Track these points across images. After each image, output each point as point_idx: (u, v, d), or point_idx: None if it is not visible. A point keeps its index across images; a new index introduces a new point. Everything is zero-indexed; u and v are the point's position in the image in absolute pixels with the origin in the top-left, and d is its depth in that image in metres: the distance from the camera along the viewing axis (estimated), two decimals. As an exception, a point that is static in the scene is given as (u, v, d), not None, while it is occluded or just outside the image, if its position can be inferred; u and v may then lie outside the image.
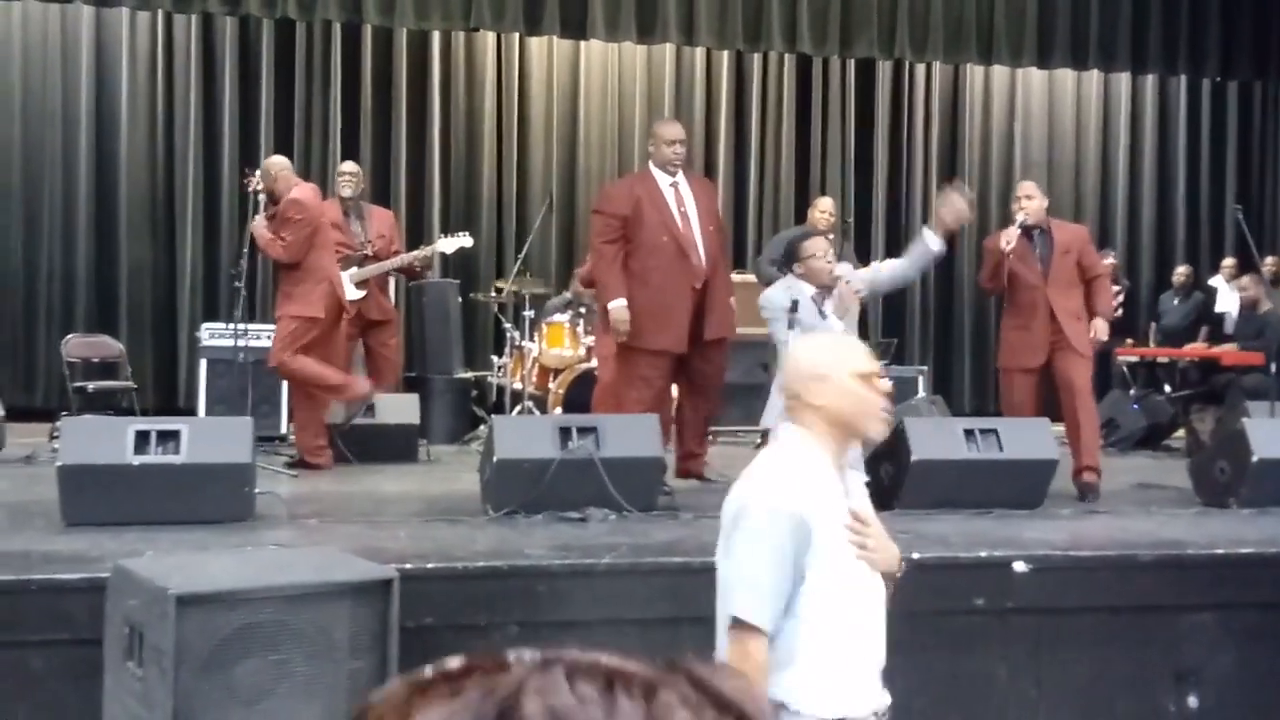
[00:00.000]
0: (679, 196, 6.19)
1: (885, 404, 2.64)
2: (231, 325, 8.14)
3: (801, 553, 2.51)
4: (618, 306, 6.05)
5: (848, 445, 2.68)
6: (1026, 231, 6.44)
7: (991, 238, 6.77)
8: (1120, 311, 7.32)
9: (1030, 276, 6.40)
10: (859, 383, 2.59)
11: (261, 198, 7.20)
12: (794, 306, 5.50)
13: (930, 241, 5.73)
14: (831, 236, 8.75)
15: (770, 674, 2.55)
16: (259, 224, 7.13)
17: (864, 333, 10.68)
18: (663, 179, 6.21)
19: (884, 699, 2.62)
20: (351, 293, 7.94)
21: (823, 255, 5.70)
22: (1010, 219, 6.60)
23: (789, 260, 5.89)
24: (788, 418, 2.70)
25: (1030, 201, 6.46)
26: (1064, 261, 6.41)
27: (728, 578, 2.58)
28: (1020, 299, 6.45)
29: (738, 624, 2.50)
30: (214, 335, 8.55)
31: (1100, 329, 6.42)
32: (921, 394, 9.06)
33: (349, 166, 8.49)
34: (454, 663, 0.65)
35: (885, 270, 6.07)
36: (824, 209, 8.79)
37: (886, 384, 2.68)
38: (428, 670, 0.65)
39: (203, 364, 8.47)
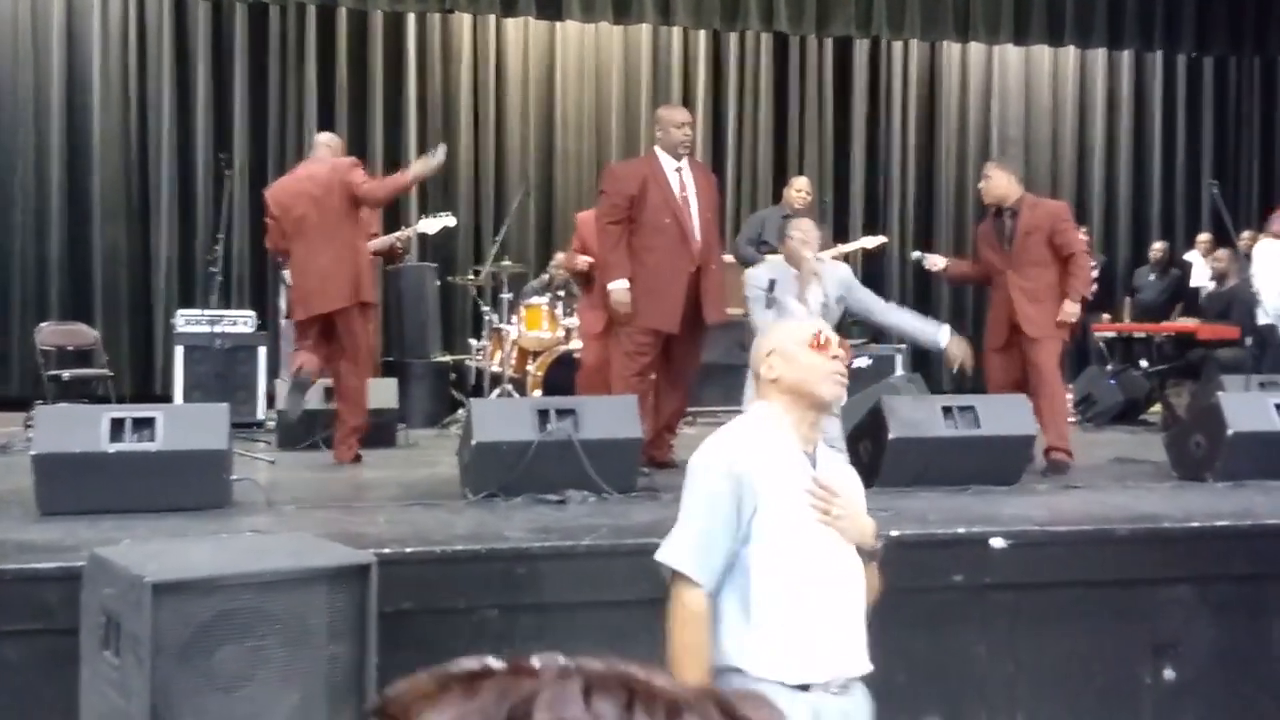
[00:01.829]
0: (682, 181, 6.25)
1: (835, 366, 2.70)
2: (207, 311, 8.10)
3: (744, 511, 2.57)
4: (619, 288, 6.07)
5: (814, 416, 2.72)
6: (996, 213, 6.51)
7: (982, 225, 6.91)
8: (1095, 287, 7.34)
9: (995, 259, 6.51)
10: (804, 349, 2.69)
11: None
12: (771, 286, 5.51)
13: (940, 336, 5.86)
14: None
15: (725, 640, 2.59)
16: None
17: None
18: (669, 163, 6.24)
19: (854, 668, 2.62)
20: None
21: (799, 238, 5.72)
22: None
23: (779, 239, 5.97)
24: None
25: (986, 183, 6.55)
26: (1026, 243, 6.40)
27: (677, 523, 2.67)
28: (993, 281, 6.62)
29: (673, 575, 2.60)
30: (190, 321, 8.51)
31: (1068, 311, 6.38)
32: (900, 372, 9.07)
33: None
34: (477, 662, 0.64)
35: (890, 313, 6.12)
36: (799, 188, 8.79)
37: (836, 348, 2.72)
38: (453, 666, 0.64)
39: (179, 350, 8.43)
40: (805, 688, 2.54)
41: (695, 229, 6.21)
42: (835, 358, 2.71)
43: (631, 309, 6.09)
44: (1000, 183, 6.50)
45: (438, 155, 6.51)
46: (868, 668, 2.66)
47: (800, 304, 5.59)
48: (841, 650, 2.60)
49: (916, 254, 7.34)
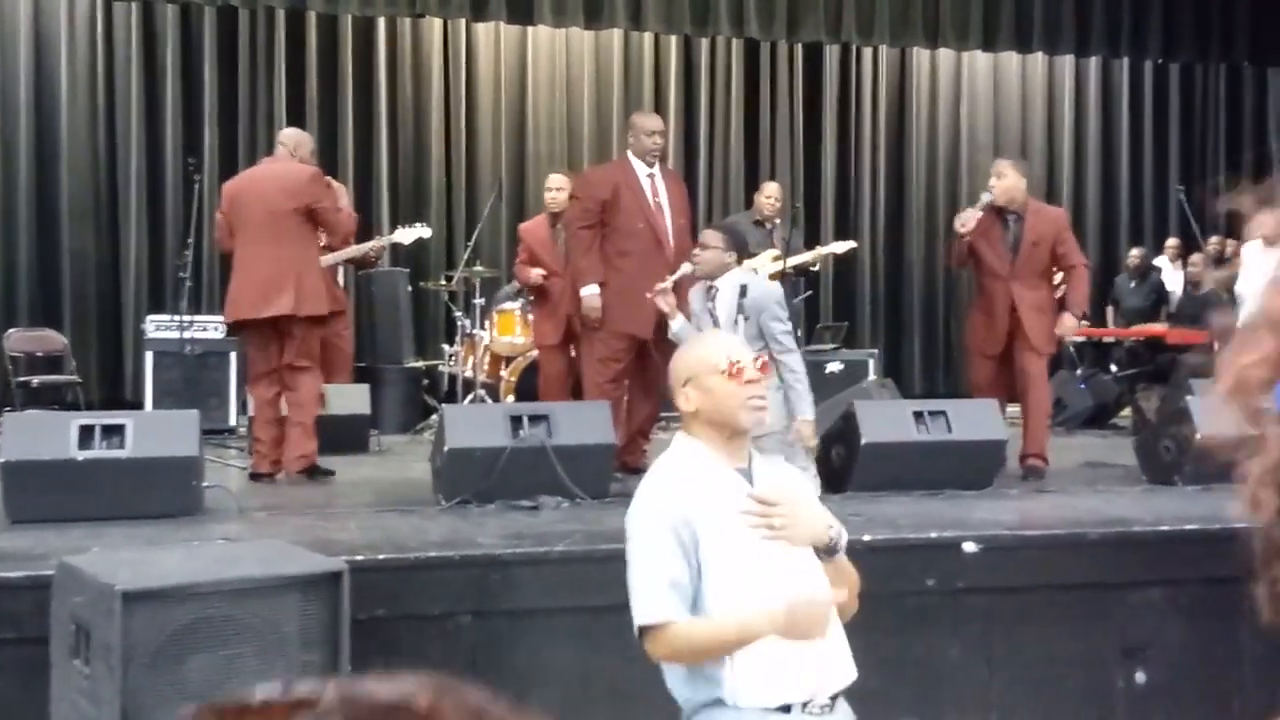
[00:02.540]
0: (654, 188, 6.26)
1: (752, 392, 2.67)
2: (177, 317, 8.05)
3: (689, 548, 2.57)
4: (590, 293, 6.08)
5: (738, 442, 2.71)
6: (1000, 214, 6.29)
7: (959, 213, 6.57)
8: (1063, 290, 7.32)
9: (996, 264, 6.27)
10: (720, 378, 2.66)
11: None
12: (710, 293, 5.53)
13: (804, 409, 5.27)
14: (779, 221, 8.79)
15: (702, 673, 2.58)
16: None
17: (815, 317, 10.83)
18: (640, 169, 6.26)
19: (835, 680, 2.61)
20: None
21: (704, 248, 5.58)
22: (960, 199, 6.60)
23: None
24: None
25: (1000, 181, 6.25)
26: (1033, 253, 6.25)
27: (629, 583, 2.64)
28: (985, 284, 6.36)
29: (648, 630, 2.57)
30: (159, 327, 8.46)
31: (1067, 325, 6.30)
32: (872, 377, 9.11)
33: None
34: (260, 694, 0.61)
35: (787, 357, 5.37)
36: (769, 194, 8.82)
37: (752, 372, 2.69)
38: (234, 696, 0.61)
39: (148, 356, 8.37)
40: (786, 709, 2.54)
41: (669, 235, 6.23)
42: (750, 382, 2.68)
43: (604, 314, 6.09)
44: (1014, 182, 6.25)
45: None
46: (852, 675, 2.64)
47: (710, 317, 5.55)
48: (818, 664, 2.57)
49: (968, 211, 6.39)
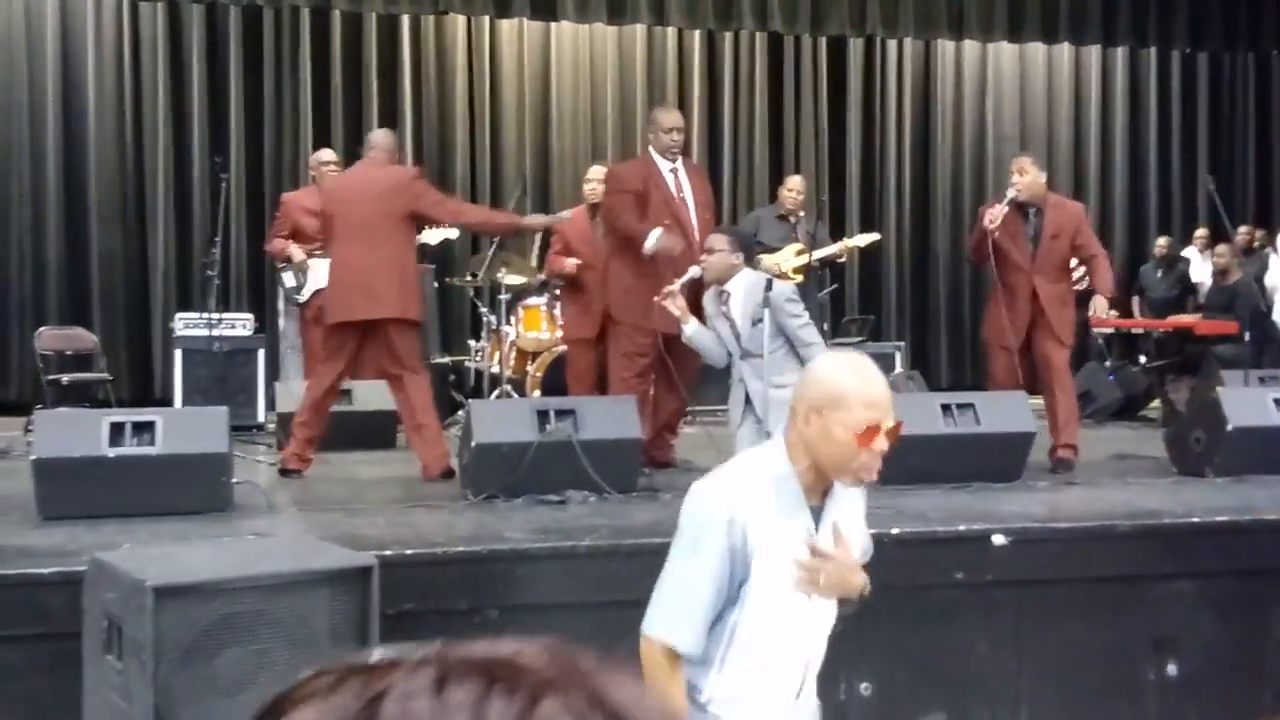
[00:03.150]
0: (678, 183, 6.28)
1: (874, 463, 2.43)
2: (205, 315, 8.09)
3: (736, 574, 2.46)
4: (655, 235, 6.01)
5: (826, 478, 2.51)
6: (1020, 208, 6.32)
7: (985, 207, 6.63)
8: (1085, 283, 7.29)
9: (1018, 257, 6.29)
10: (851, 438, 2.39)
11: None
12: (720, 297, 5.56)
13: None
14: (802, 214, 8.77)
15: (690, 676, 2.53)
16: None
17: (841, 310, 10.80)
18: (663, 164, 6.28)
19: (802, 707, 2.62)
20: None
21: (706, 252, 5.60)
22: (986, 190, 6.59)
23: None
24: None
25: (1023, 177, 6.29)
26: (1053, 246, 6.28)
27: (662, 582, 2.54)
28: (1007, 278, 6.35)
29: (662, 645, 2.48)
30: (188, 325, 8.50)
31: (1100, 307, 6.30)
32: (899, 369, 9.08)
33: (331, 155, 8.46)
34: (349, 660, 0.61)
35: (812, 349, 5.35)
36: (792, 188, 8.79)
37: (883, 443, 2.41)
38: (330, 664, 0.62)
39: (178, 354, 8.41)
40: None
41: (694, 230, 6.22)
42: (876, 451, 2.42)
43: (634, 306, 6.09)
44: (1036, 177, 6.33)
45: (561, 216, 6.22)
46: (814, 702, 2.66)
47: (725, 321, 5.56)
48: (797, 690, 2.60)
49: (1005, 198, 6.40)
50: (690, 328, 5.51)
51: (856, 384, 2.44)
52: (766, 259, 8.22)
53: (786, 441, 2.51)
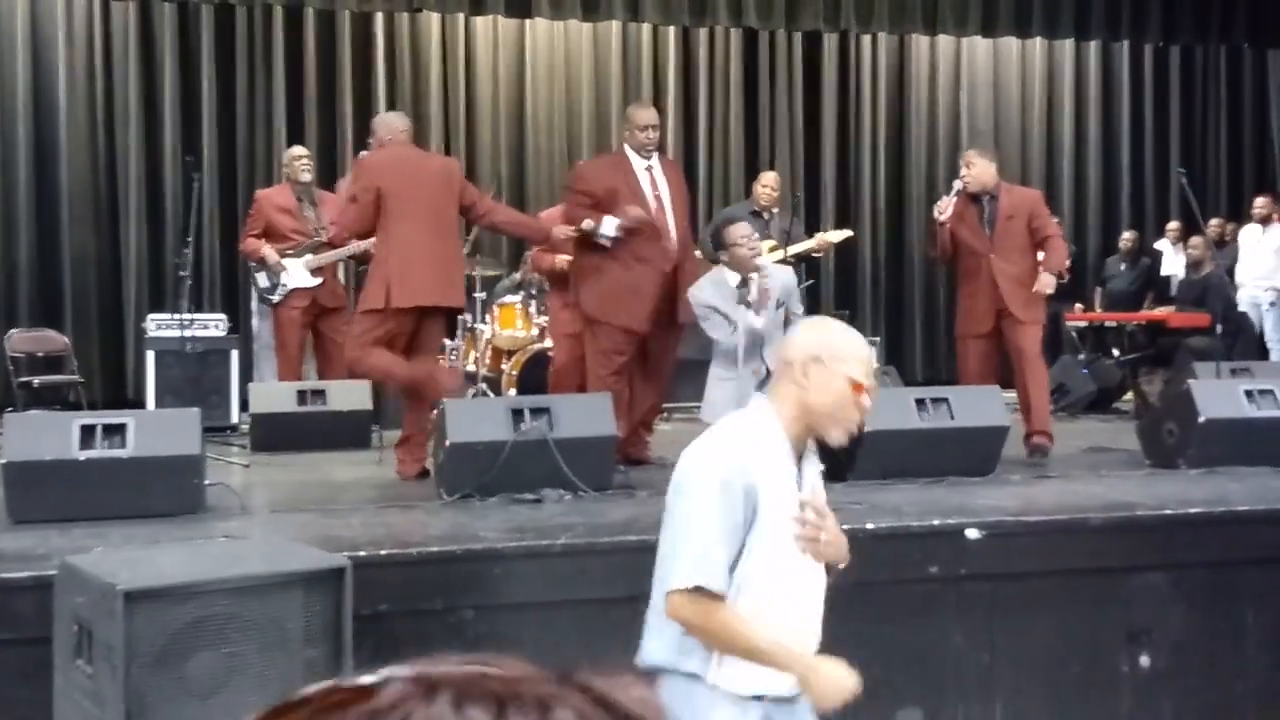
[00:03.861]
0: (653, 180, 6.25)
1: (858, 418, 2.61)
2: (178, 315, 8.05)
3: (747, 528, 2.51)
4: (607, 223, 6.04)
5: (808, 436, 2.65)
6: (974, 198, 6.46)
7: (937, 204, 6.77)
8: (1069, 276, 7.36)
9: (976, 243, 6.44)
10: (848, 387, 2.56)
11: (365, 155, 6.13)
12: (742, 293, 5.59)
13: None
14: (776, 210, 8.77)
15: (686, 643, 2.55)
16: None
17: (816, 305, 10.80)
18: (638, 161, 6.26)
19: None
20: (308, 280, 7.88)
21: (746, 242, 5.71)
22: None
23: (716, 246, 5.93)
24: (762, 391, 2.71)
25: (970, 169, 6.47)
26: (1009, 227, 6.42)
27: (676, 539, 2.56)
28: (967, 265, 6.52)
29: (699, 591, 2.48)
30: (160, 326, 8.46)
31: (1044, 282, 6.41)
32: (874, 365, 9.10)
33: (303, 150, 8.42)
34: (324, 687, 0.61)
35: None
36: (766, 183, 8.78)
37: (868, 401, 2.62)
38: (302, 693, 0.61)
39: (150, 355, 8.37)
40: (759, 698, 2.55)
41: (670, 227, 6.21)
42: (864, 408, 2.61)
43: (605, 305, 6.10)
44: (985, 169, 6.48)
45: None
46: None
47: (755, 315, 5.63)
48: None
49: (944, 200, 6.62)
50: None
51: (852, 338, 2.68)
52: (710, 274, 8.21)
53: (774, 400, 2.61)
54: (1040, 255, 6.60)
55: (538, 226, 6.78)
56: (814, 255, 9.11)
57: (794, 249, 8.35)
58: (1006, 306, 6.33)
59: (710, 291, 5.78)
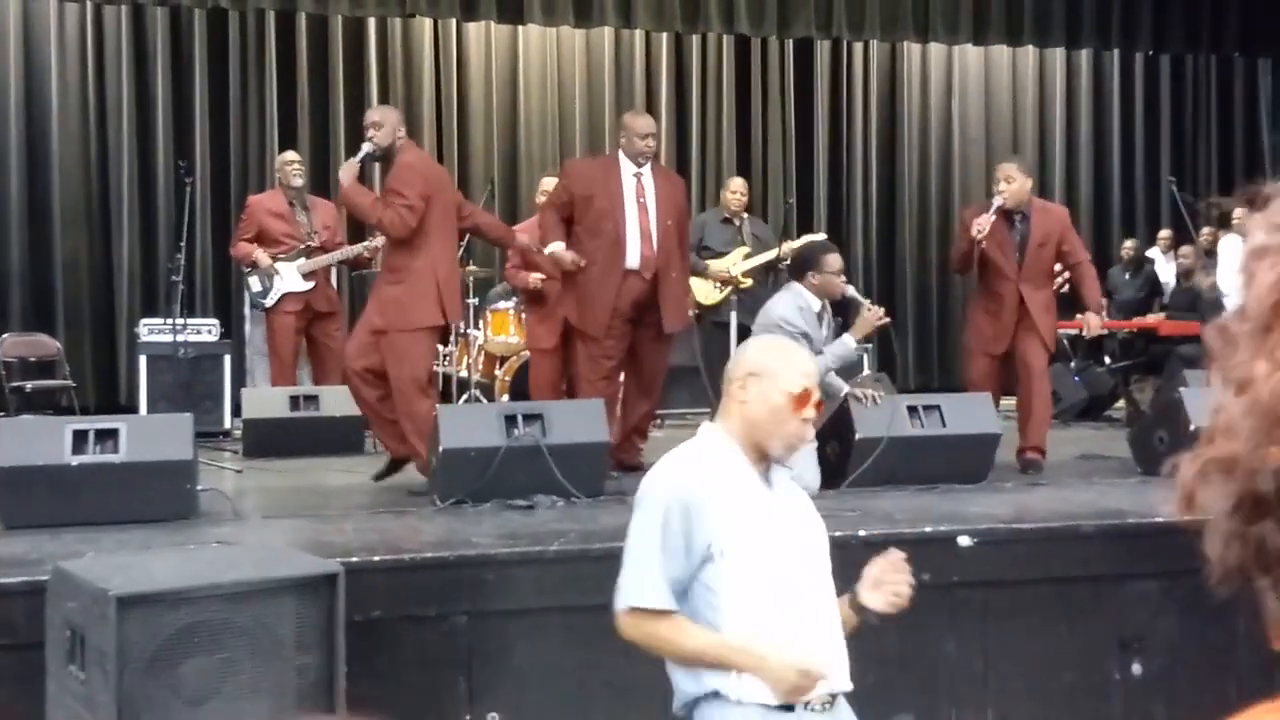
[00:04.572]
0: (640, 187, 6.23)
1: (802, 431, 2.66)
2: (170, 320, 8.04)
3: (696, 538, 2.54)
4: (555, 248, 6.14)
5: (759, 450, 2.67)
6: (1006, 215, 6.28)
7: (969, 209, 6.59)
8: (1066, 287, 7.34)
9: (1004, 265, 6.27)
10: (785, 400, 2.62)
11: (367, 148, 5.95)
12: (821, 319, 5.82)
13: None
14: (746, 216, 8.75)
15: (695, 670, 2.56)
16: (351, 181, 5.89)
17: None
18: (628, 168, 6.25)
19: (836, 683, 2.61)
20: (300, 284, 7.87)
21: (839, 272, 5.83)
22: (952, 192, 6.63)
23: (805, 267, 5.91)
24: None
25: (1010, 185, 6.22)
26: (1040, 254, 6.29)
27: (622, 562, 2.64)
28: (992, 285, 6.36)
29: (637, 611, 2.56)
30: (153, 331, 8.44)
31: (1093, 325, 6.41)
32: (866, 371, 9.10)
33: (295, 155, 8.41)
34: None
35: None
36: (735, 189, 8.77)
37: (811, 413, 2.65)
38: None
39: (142, 360, 8.35)
40: (789, 708, 2.53)
41: (651, 235, 6.19)
42: (806, 421, 2.65)
43: (556, 308, 6.32)
44: (1023, 186, 6.27)
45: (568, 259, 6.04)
46: (848, 686, 2.65)
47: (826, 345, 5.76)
48: (824, 665, 2.58)
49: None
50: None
51: (789, 353, 2.77)
52: (714, 264, 8.21)
53: (723, 418, 2.70)
54: (1059, 268, 6.60)
55: (510, 235, 6.95)
56: (781, 264, 9.09)
57: (754, 260, 8.32)
58: (1032, 327, 6.25)
59: (794, 314, 5.73)
